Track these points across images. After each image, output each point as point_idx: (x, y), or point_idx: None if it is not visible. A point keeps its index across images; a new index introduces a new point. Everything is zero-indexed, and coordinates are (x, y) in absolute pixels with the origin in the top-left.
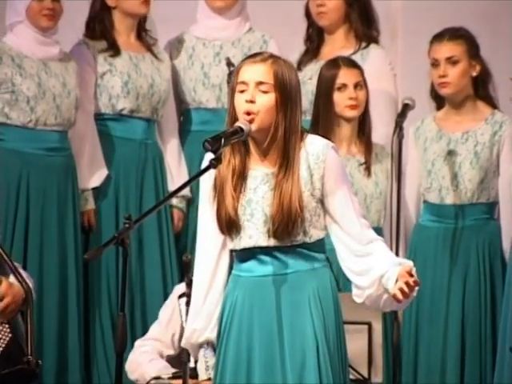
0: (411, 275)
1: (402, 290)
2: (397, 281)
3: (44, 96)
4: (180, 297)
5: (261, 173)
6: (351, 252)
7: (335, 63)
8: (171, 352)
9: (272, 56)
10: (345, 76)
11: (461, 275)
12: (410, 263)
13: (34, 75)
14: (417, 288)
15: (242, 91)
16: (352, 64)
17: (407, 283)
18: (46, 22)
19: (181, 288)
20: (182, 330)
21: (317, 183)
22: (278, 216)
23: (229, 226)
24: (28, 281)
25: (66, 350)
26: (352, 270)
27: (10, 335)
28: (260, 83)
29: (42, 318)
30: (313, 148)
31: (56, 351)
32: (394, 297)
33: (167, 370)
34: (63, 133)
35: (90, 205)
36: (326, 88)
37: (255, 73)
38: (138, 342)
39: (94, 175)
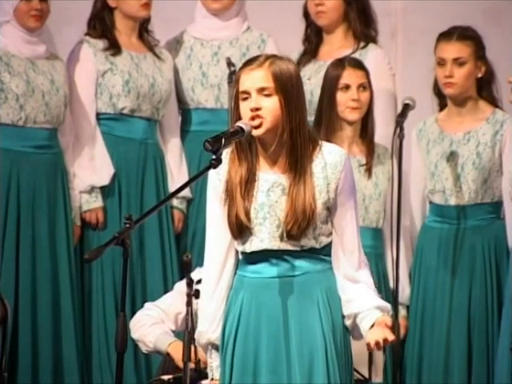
0: (389, 328)
1: (377, 344)
2: (373, 325)
3: (33, 94)
4: (198, 282)
5: (273, 176)
6: (342, 271)
7: (341, 63)
8: (172, 327)
9: (268, 57)
10: (349, 76)
11: (467, 275)
12: (388, 307)
13: (22, 73)
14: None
15: (244, 99)
16: (357, 65)
17: (385, 340)
18: (34, 22)
19: (202, 272)
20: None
21: (332, 193)
22: (291, 218)
23: (240, 230)
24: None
25: (62, 348)
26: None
27: None
28: (261, 89)
29: (36, 317)
30: (331, 157)
31: (51, 350)
32: (367, 344)
33: (165, 338)
34: (52, 130)
35: (99, 202)
36: (329, 88)
37: (254, 80)
38: (147, 304)
39: (102, 173)
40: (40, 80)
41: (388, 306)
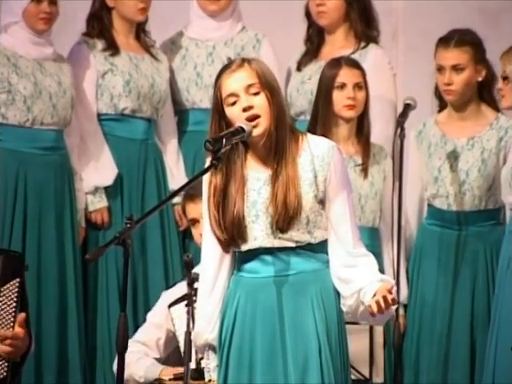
0: (390, 293)
1: (378, 304)
2: (374, 295)
3: (40, 95)
4: (170, 306)
5: (263, 174)
6: (340, 262)
7: (337, 62)
8: (157, 355)
9: (244, 59)
10: (345, 75)
11: (469, 280)
12: (392, 281)
13: (29, 74)
14: (394, 307)
15: (233, 103)
16: (354, 64)
17: (385, 298)
18: (43, 25)
19: (170, 294)
20: (169, 335)
21: (320, 185)
22: (276, 210)
23: (235, 241)
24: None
25: (66, 349)
26: (339, 277)
27: (4, 373)
28: (249, 86)
29: (41, 317)
30: (318, 150)
31: (55, 350)
32: (369, 309)
33: (155, 368)
34: (59, 132)
35: (104, 202)
36: (325, 87)
37: (240, 79)
38: None
39: (105, 174)
40: (47, 82)
41: (390, 279)
